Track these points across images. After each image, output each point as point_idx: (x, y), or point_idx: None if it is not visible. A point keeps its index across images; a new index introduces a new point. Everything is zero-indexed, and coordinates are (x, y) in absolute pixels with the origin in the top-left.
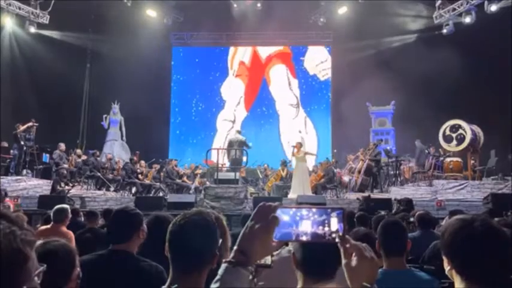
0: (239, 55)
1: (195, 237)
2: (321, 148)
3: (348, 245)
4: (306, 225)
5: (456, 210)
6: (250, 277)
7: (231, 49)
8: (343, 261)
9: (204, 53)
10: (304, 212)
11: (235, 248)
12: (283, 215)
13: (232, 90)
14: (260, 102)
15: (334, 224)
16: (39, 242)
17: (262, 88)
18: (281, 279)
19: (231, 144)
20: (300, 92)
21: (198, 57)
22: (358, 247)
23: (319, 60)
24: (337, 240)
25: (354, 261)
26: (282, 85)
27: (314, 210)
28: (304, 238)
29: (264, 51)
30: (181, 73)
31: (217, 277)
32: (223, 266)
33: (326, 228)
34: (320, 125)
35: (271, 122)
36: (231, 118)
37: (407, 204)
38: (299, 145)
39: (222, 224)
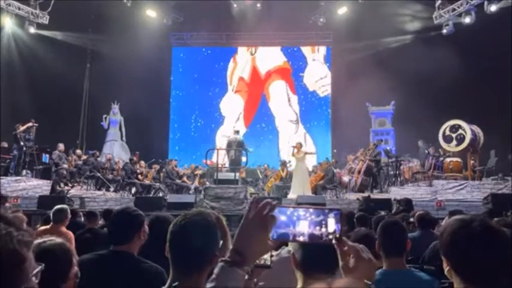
0: (238, 71)
1: (196, 237)
2: (319, 155)
3: (345, 247)
4: (303, 226)
5: (456, 211)
6: (246, 277)
7: (230, 64)
8: (340, 262)
9: (204, 61)
10: (301, 212)
11: (231, 247)
12: (281, 215)
13: (232, 106)
14: (259, 119)
15: (332, 224)
16: (35, 241)
17: (262, 104)
18: (281, 279)
19: (229, 144)
20: (299, 108)
21: (198, 60)
22: (356, 248)
23: (318, 76)
24: (333, 241)
25: (351, 262)
26: (281, 101)
27: (311, 210)
28: (301, 239)
29: (264, 67)
30: (180, 88)
31: (213, 276)
32: (219, 265)
33: (323, 229)
34: (320, 141)
35: (271, 138)
36: (230, 134)
37: (407, 204)
38: (299, 145)
39: (223, 224)
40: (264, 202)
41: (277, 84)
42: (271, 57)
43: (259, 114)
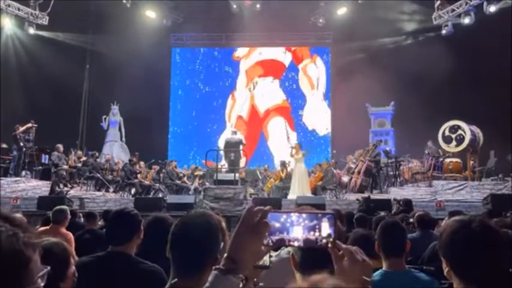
0: (237, 109)
1: (198, 238)
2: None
3: (339, 250)
4: (297, 231)
5: (456, 211)
6: (241, 285)
7: (229, 101)
8: (335, 266)
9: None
10: (294, 217)
11: (225, 255)
12: (274, 221)
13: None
14: (258, 158)
15: (326, 228)
16: None
17: (260, 143)
18: (280, 280)
19: (228, 145)
20: None
21: (197, 60)
22: (349, 250)
23: (318, 114)
24: (329, 245)
25: (345, 265)
26: (280, 139)
27: (304, 215)
28: (296, 244)
29: (263, 105)
30: (178, 125)
31: (207, 284)
32: (213, 273)
33: (317, 233)
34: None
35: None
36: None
37: (407, 204)
38: (298, 146)
39: (222, 226)
40: (255, 209)
41: (276, 121)
42: (270, 95)
43: (257, 153)
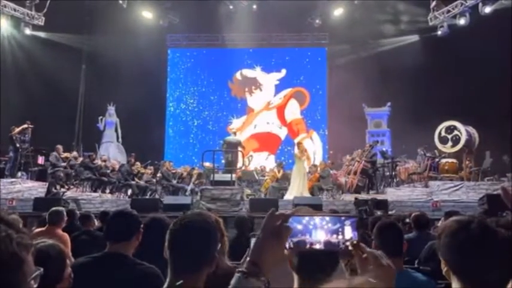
0: None
1: (196, 238)
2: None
3: (363, 253)
4: (320, 234)
5: (452, 212)
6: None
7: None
8: (359, 270)
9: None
10: (317, 220)
11: (247, 259)
12: (296, 224)
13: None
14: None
15: (348, 232)
16: None
17: None
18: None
19: (227, 144)
20: None
21: (194, 61)
22: (375, 255)
23: None
24: (350, 248)
25: (370, 269)
26: None
27: (328, 218)
28: (317, 246)
29: None
30: (174, 125)
31: (229, 287)
32: (236, 276)
33: (340, 237)
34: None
35: None
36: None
37: (379, 205)
38: (302, 146)
39: (220, 227)
40: (277, 214)
41: None
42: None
43: None
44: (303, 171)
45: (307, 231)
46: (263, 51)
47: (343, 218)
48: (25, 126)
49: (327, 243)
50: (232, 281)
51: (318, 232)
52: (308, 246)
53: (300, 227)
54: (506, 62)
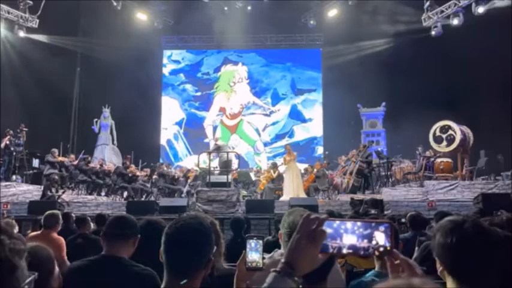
0: None
1: (191, 241)
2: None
3: (396, 260)
4: (351, 239)
5: (442, 212)
6: None
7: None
8: (390, 275)
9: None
10: (348, 225)
11: (282, 260)
12: (327, 228)
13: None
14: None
15: (380, 238)
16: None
17: None
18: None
19: (223, 147)
20: None
21: (188, 62)
22: (409, 263)
23: None
24: (378, 253)
25: (403, 276)
26: None
27: (359, 223)
28: (344, 251)
29: None
30: (170, 127)
31: (265, 285)
32: (271, 275)
33: (373, 242)
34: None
35: None
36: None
37: (374, 204)
38: (289, 147)
39: (216, 229)
40: (312, 217)
41: None
42: None
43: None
44: (295, 171)
45: (338, 236)
46: (258, 53)
47: (373, 223)
48: (19, 129)
49: (358, 248)
50: (268, 279)
51: (349, 237)
52: (337, 250)
53: (329, 230)
54: (500, 61)
